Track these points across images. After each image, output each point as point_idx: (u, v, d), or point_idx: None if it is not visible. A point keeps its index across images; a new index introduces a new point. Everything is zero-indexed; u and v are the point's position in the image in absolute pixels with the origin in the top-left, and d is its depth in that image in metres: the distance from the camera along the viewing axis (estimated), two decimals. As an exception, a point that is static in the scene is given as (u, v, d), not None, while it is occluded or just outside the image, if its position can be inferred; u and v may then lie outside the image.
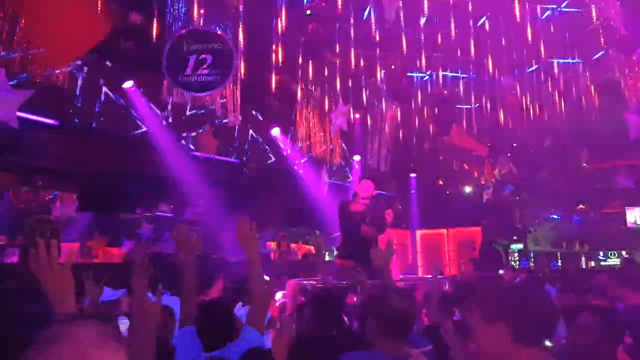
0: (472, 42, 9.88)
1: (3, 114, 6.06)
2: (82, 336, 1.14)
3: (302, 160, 13.22)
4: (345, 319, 4.45)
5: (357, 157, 14.53)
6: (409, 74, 11.54)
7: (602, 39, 10.36)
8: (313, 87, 10.98)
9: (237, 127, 11.68)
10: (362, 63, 10.38)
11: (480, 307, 1.92)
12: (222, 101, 9.26)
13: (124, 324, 4.62)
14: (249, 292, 3.25)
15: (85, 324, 1.19)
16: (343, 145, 12.55)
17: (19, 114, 6.41)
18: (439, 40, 10.13)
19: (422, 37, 9.98)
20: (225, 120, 10.20)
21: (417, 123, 13.05)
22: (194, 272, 3.49)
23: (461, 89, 12.24)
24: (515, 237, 20.50)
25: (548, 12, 10.00)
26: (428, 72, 11.72)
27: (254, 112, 12.38)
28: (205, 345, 3.08)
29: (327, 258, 15.26)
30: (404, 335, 2.77)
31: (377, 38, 9.32)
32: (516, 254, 20.88)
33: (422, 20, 9.60)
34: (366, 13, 9.47)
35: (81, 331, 1.15)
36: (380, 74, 10.84)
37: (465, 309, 4.33)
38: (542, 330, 1.91)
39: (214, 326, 3.14)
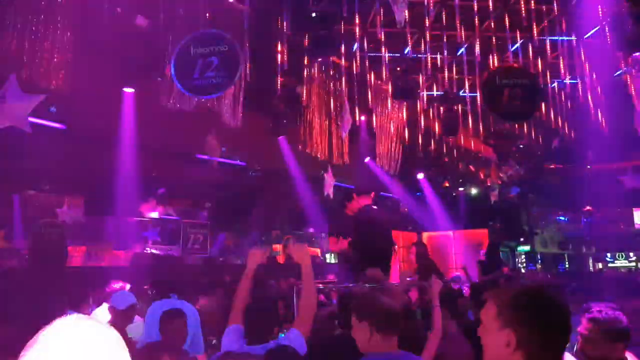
0: (477, 42, 9.87)
1: (16, 119, 6.09)
2: (82, 335, 1.12)
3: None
4: None
5: (367, 159, 14.54)
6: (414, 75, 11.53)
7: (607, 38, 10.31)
8: (319, 88, 10.96)
9: (241, 129, 11.67)
10: (367, 64, 10.39)
11: None
12: (227, 103, 9.25)
13: (138, 326, 4.65)
14: (301, 298, 3.48)
15: (86, 324, 1.16)
16: (348, 146, 12.51)
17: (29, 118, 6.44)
18: (444, 40, 10.10)
19: (428, 38, 9.97)
20: (230, 123, 10.19)
21: (422, 125, 13.03)
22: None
23: (467, 89, 12.24)
24: (522, 239, 20.46)
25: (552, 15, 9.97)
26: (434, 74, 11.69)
27: (259, 115, 12.37)
28: (249, 340, 3.17)
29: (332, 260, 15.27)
30: (396, 333, 2.80)
31: (383, 39, 9.32)
32: (523, 256, 20.85)
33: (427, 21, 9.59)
34: (372, 15, 9.48)
35: (81, 329, 1.13)
36: (385, 76, 10.83)
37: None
38: None
39: (259, 322, 3.26)
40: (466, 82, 12.08)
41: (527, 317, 1.68)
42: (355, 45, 9.67)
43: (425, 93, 12.02)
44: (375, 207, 7.11)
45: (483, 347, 1.78)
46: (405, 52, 10.31)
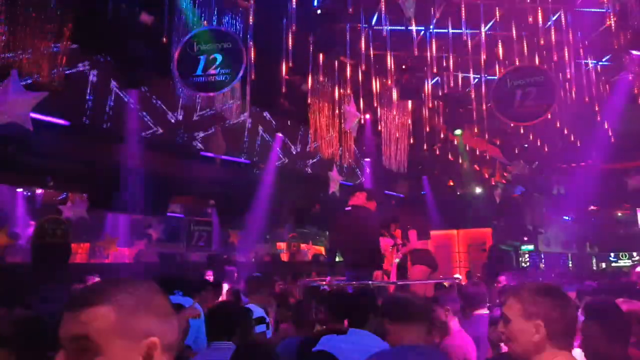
0: (483, 42, 9.83)
1: (17, 115, 6.08)
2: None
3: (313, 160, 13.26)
4: None
5: (367, 159, 14.54)
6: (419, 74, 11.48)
7: (615, 39, 10.26)
8: (324, 86, 10.94)
9: (247, 127, 11.68)
10: (372, 63, 10.35)
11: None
12: (231, 101, 9.25)
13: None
14: None
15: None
16: (354, 145, 12.50)
17: (30, 114, 6.43)
18: (450, 40, 10.06)
19: (434, 38, 9.94)
20: (235, 121, 10.19)
21: (428, 124, 12.99)
22: None
23: (472, 89, 12.19)
24: (526, 238, 20.43)
25: (559, 14, 9.91)
26: (440, 72, 11.65)
27: (264, 113, 12.39)
28: None
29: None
30: (416, 325, 2.83)
31: (388, 38, 9.30)
32: (527, 255, 20.82)
33: (434, 21, 9.55)
34: (377, 14, 9.45)
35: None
36: (391, 74, 10.79)
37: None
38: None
39: None
40: (471, 80, 12.04)
41: (551, 307, 1.96)
42: (361, 43, 9.63)
43: (430, 91, 11.97)
44: (349, 208, 7.05)
45: (508, 339, 2.02)
46: (411, 50, 10.28)
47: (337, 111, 11.12)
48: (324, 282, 6.79)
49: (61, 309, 1.18)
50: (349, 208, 7.00)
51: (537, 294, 2.00)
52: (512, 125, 11.38)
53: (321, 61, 10.10)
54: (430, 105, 12.22)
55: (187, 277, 7.07)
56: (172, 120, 10.70)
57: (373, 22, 9.86)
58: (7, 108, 6.04)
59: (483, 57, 9.96)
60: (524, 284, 2.14)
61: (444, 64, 11.03)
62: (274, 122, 12.81)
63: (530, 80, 8.12)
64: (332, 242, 7.08)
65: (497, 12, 9.45)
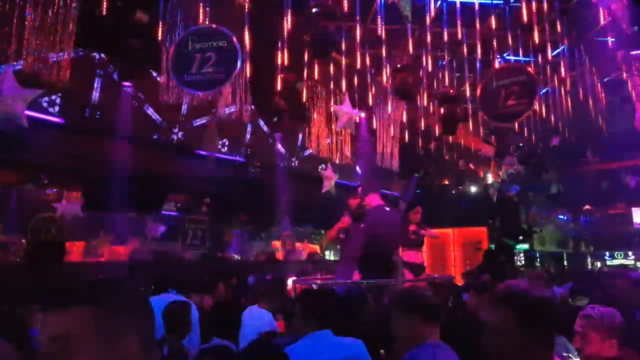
0: (478, 40, 9.83)
1: (12, 112, 6.05)
2: None
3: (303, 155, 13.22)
4: None
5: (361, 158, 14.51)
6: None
7: (609, 39, 10.28)
8: (319, 86, 10.93)
9: (242, 125, 11.65)
10: (368, 61, 10.34)
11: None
12: (226, 99, 9.22)
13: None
14: None
15: None
16: (349, 144, 12.49)
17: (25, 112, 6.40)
18: (445, 38, 10.06)
19: (429, 35, 9.93)
20: (228, 118, 10.16)
21: (423, 122, 12.99)
22: None
23: (467, 88, 12.20)
24: (520, 237, 20.46)
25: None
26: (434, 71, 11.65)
27: (258, 111, 12.35)
28: None
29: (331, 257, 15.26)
30: (439, 323, 2.87)
31: (384, 36, 9.28)
32: (522, 254, 20.85)
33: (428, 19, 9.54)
34: (373, 11, 9.45)
35: None
36: (386, 73, 10.79)
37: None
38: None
39: None
40: (467, 80, 12.04)
41: (543, 320, 1.94)
42: (356, 42, 9.62)
43: (425, 90, 11.97)
44: (387, 208, 7.12)
45: (499, 347, 1.95)
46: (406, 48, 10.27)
47: (332, 109, 11.12)
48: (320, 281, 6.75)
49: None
50: (388, 208, 7.16)
51: (525, 295, 1.97)
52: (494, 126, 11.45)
53: (316, 60, 10.08)
54: (425, 104, 12.23)
55: (181, 275, 7.07)
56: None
57: (368, 21, 9.86)
58: (2, 105, 6.01)
59: (479, 56, 9.97)
60: (507, 286, 2.06)
61: (439, 63, 11.04)
62: (268, 121, 12.77)
63: (513, 79, 8.16)
64: (377, 242, 6.89)
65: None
